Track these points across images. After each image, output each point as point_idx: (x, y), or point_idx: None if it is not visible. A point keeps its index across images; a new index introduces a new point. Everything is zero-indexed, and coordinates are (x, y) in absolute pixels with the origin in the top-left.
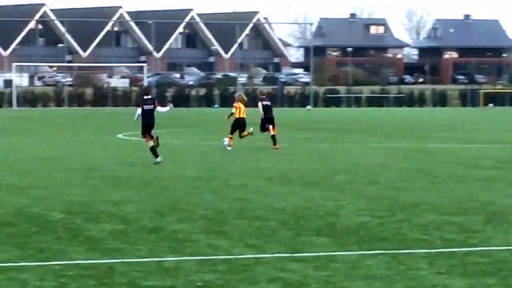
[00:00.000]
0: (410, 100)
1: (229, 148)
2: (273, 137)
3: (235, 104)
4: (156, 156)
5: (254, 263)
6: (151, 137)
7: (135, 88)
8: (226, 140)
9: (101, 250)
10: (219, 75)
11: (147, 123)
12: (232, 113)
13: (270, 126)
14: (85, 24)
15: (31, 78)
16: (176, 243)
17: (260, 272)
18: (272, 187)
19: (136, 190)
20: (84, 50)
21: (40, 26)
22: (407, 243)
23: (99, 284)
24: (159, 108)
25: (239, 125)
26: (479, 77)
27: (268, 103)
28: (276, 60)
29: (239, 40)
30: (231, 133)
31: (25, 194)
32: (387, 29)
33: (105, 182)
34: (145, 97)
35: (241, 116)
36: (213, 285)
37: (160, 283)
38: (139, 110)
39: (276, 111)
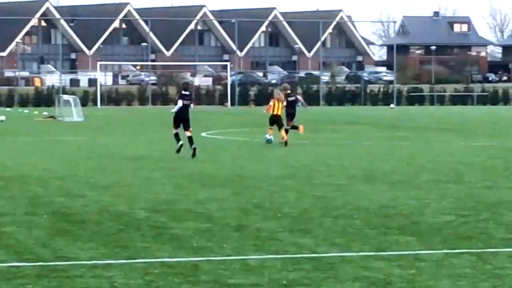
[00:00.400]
0: (494, 99)
1: (269, 137)
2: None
3: (270, 103)
4: (178, 140)
5: (339, 262)
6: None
7: (218, 87)
8: (268, 136)
9: (186, 248)
10: (302, 74)
11: (182, 117)
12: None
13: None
14: (168, 23)
15: (115, 77)
16: (261, 241)
17: (345, 271)
18: (356, 185)
19: (220, 188)
20: (168, 49)
21: (124, 25)
22: (492, 242)
23: (184, 282)
24: (192, 105)
25: (272, 121)
26: None
27: (293, 98)
28: (359, 58)
29: (322, 39)
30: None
31: (110, 192)
32: (471, 27)
33: (189, 180)
34: (184, 92)
35: (276, 113)
36: (298, 284)
37: (244, 281)
38: (180, 103)
39: (359, 110)
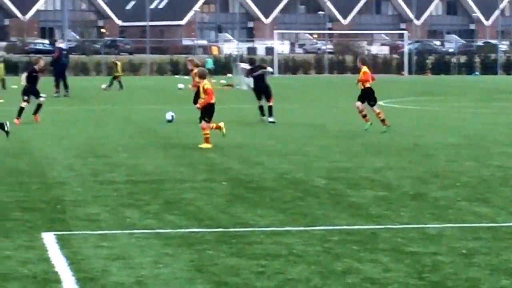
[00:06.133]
0: None
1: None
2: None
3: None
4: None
5: None
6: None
7: (395, 56)
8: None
9: (364, 216)
10: (479, 43)
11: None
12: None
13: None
14: None
15: (292, 45)
16: (439, 210)
17: None
18: None
19: (397, 157)
20: (345, 18)
21: None
22: None
23: (362, 250)
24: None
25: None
26: None
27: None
28: None
29: (501, 7)
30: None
31: (288, 160)
32: None
33: (366, 148)
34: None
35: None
36: (477, 253)
37: (423, 249)
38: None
39: None
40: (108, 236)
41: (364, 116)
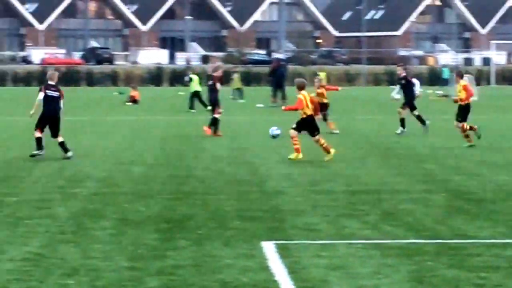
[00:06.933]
0: None
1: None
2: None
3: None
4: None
5: None
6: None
7: None
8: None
9: None
10: None
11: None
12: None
13: None
14: None
15: (509, 56)
16: None
17: None
18: None
19: None
20: None
21: None
22: None
23: None
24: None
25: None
26: None
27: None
28: None
29: None
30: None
31: (507, 171)
32: None
33: None
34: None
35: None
36: None
37: None
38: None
39: None
40: (327, 246)
41: (470, 129)
